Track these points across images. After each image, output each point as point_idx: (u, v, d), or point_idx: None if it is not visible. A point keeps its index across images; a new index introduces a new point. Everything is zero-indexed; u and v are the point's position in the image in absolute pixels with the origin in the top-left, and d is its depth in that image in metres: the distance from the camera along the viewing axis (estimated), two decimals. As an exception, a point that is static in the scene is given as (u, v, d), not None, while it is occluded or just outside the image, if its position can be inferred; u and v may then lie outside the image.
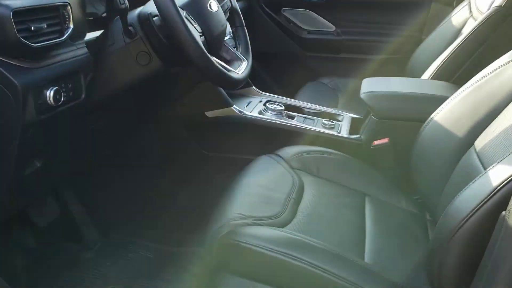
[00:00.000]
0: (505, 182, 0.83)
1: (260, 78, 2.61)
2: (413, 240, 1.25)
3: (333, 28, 2.48)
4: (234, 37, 1.33)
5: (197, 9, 1.09)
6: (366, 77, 2.31)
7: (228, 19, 1.32)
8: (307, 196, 1.28)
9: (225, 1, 1.27)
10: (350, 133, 1.59)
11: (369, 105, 1.47)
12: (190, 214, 1.62)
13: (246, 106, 1.69)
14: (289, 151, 1.45)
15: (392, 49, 2.39)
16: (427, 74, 1.71)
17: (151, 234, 1.66)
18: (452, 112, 1.29)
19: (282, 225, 1.13)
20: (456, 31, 1.98)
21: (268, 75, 2.64)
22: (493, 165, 0.90)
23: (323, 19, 2.48)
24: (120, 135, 1.54)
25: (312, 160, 1.42)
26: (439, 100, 1.36)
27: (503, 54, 1.65)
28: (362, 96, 1.49)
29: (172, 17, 0.95)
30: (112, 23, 1.08)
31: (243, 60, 1.24)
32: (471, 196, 0.89)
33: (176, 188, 1.64)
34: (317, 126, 1.59)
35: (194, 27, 1.04)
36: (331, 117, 1.72)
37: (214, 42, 1.12)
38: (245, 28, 1.33)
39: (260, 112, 1.62)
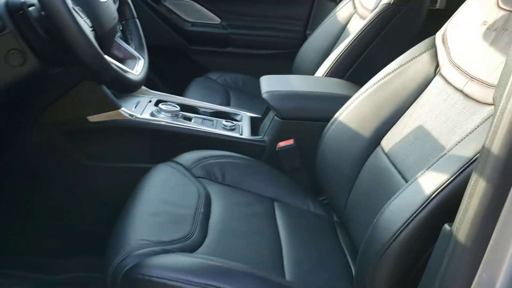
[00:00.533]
0: (439, 189, 0.80)
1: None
2: (327, 246, 1.20)
3: (218, 20, 2.37)
4: (125, 31, 1.13)
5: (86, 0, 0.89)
6: (253, 72, 2.28)
7: (119, 11, 1.13)
8: (216, 209, 1.16)
9: (112, -11, 1.07)
10: (252, 134, 1.50)
11: (272, 105, 1.39)
12: (74, 236, 1.40)
13: (135, 107, 1.50)
14: (190, 157, 1.31)
15: (279, 43, 2.36)
16: (321, 71, 1.69)
17: (27, 262, 1.40)
18: (356, 111, 1.27)
19: (195, 247, 1.00)
20: (341, 27, 2.00)
21: (152, 71, 2.43)
22: (422, 171, 0.87)
23: (208, 11, 2.35)
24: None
25: (216, 166, 1.30)
26: (343, 99, 1.33)
27: (395, 50, 1.71)
28: (264, 96, 1.40)
29: (56, 7, 0.75)
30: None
31: (138, 58, 1.06)
32: (403, 206, 0.85)
33: (56, 206, 1.40)
34: (218, 128, 1.47)
35: (84, 20, 0.85)
36: (229, 117, 1.61)
37: (106, 38, 0.93)
38: (138, 21, 1.14)
39: (152, 114, 1.45)
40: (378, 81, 1.26)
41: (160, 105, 1.46)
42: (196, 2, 2.33)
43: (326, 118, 1.33)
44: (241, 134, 1.46)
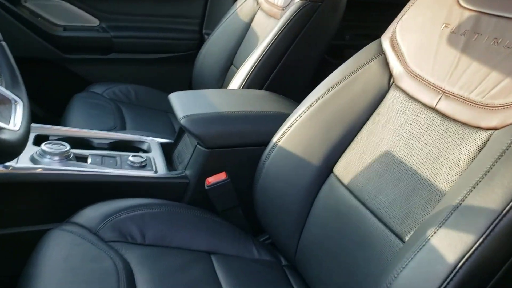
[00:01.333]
0: (466, 255, 0.62)
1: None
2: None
3: (97, 22, 1.97)
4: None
5: None
6: (145, 80, 1.95)
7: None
8: (142, 285, 0.88)
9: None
10: (169, 168, 1.21)
11: (193, 133, 1.12)
12: None
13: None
14: (93, 214, 1.00)
15: (172, 46, 2.05)
16: (236, 82, 1.45)
17: None
18: (299, 133, 1.06)
19: None
20: (245, 25, 1.78)
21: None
22: (433, 229, 0.68)
23: (83, 12, 1.94)
24: None
25: (131, 222, 1.01)
26: (279, 118, 1.12)
27: (316, 51, 1.54)
28: (182, 122, 1.12)
29: None
30: None
31: (14, 101, 0.71)
32: (419, 280, 0.64)
33: None
34: (124, 167, 1.15)
35: None
36: (134, 147, 1.30)
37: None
38: (4, 44, 0.78)
39: (33, 160, 1.08)
40: (321, 96, 1.06)
41: (42, 146, 1.10)
42: (66, 2, 1.90)
43: (262, 142, 1.11)
44: (155, 172, 1.16)
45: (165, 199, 1.09)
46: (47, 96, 1.95)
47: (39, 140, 1.21)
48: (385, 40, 1.05)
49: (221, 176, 1.11)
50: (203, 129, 1.12)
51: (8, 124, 0.65)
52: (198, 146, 1.14)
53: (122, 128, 1.54)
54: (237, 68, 1.55)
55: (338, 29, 1.53)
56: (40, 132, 1.24)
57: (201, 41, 1.95)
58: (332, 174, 1.01)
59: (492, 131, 0.76)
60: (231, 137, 1.14)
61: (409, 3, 1.03)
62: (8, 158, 0.70)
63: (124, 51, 1.99)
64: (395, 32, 1.03)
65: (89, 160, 1.14)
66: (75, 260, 0.87)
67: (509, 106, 0.74)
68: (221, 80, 1.78)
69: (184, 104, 1.20)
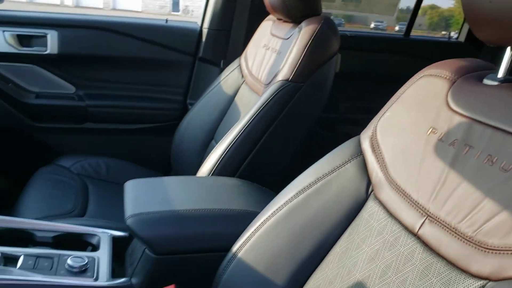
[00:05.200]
0: None
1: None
2: None
3: (73, 89, 1.86)
4: None
5: None
6: (121, 154, 1.80)
7: None
8: None
9: None
10: (114, 273, 1.04)
11: (139, 235, 0.95)
12: None
13: None
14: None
15: (153, 116, 1.93)
16: (207, 167, 1.31)
17: None
18: (263, 244, 0.90)
19: None
20: (229, 99, 1.67)
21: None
22: None
23: (58, 78, 1.83)
24: None
25: None
26: (245, 219, 0.96)
27: (297, 135, 1.40)
28: (128, 222, 0.97)
29: None
30: None
31: None
32: None
33: None
34: (59, 271, 0.98)
35: None
36: (80, 241, 1.14)
37: None
38: None
39: None
40: (290, 199, 0.90)
41: (-39, 246, 0.94)
42: (40, 67, 1.80)
43: (222, 247, 0.95)
44: (95, 279, 0.99)
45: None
46: (12, 167, 1.81)
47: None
48: (364, 139, 0.89)
49: (170, 290, 0.93)
50: (152, 232, 0.96)
51: None
52: (146, 250, 0.97)
53: (81, 213, 1.38)
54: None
55: (329, 102, 1.40)
56: (-30, 222, 1.09)
57: (184, 112, 1.82)
58: (302, 298, 0.84)
59: (485, 281, 0.59)
60: (185, 242, 0.98)
61: (393, 98, 0.89)
62: None
63: (99, 120, 1.87)
64: (375, 131, 0.88)
65: (20, 263, 0.98)
66: None
67: (506, 251, 0.57)
68: (200, 155, 1.64)
69: (136, 197, 1.05)
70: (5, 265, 0.97)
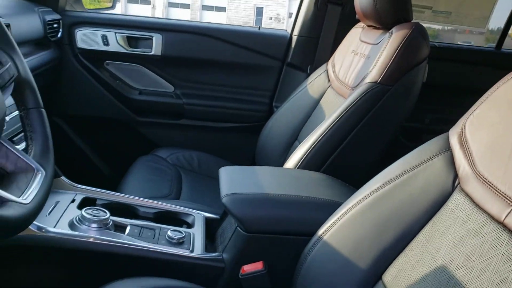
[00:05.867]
0: None
1: (74, 153, 2.02)
2: None
3: (172, 88, 2.04)
4: (25, 126, 0.77)
5: None
6: (211, 149, 1.94)
7: (13, 96, 0.77)
8: None
9: (5, 67, 0.71)
10: (208, 246, 1.15)
11: (233, 213, 1.05)
12: None
13: (50, 212, 1.12)
14: (116, 292, 0.94)
15: (242, 116, 2.05)
16: (293, 161, 1.38)
17: None
18: (348, 229, 0.95)
19: None
20: (314, 102, 1.73)
21: (88, 148, 2.05)
22: None
23: (159, 78, 2.02)
24: None
25: (155, 305, 0.93)
26: (329, 207, 1.02)
27: (383, 136, 1.44)
28: (223, 200, 1.06)
29: None
30: None
31: (37, 171, 0.70)
32: None
33: None
34: (160, 241, 1.10)
35: None
36: (179, 219, 1.26)
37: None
38: (43, 111, 0.79)
39: (71, 225, 1.07)
40: (377, 189, 0.95)
41: (83, 211, 1.08)
42: (144, 67, 1.99)
43: (308, 231, 1.01)
44: (191, 251, 1.10)
45: (197, 282, 1.02)
46: (115, 155, 2.02)
47: (87, 203, 1.21)
48: (453, 135, 0.93)
49: (258, 266, 1.02)
50: (245, 211, 1.05)
51: (19, 196, 0.63)
52: (238, 228, 1.06)
53: (176, 196, 1.52)
54: (301, 145, 1.49)
55: (414, 111, 1.42)
56: (88, 195, 1.25)
57: (269, 113, 1.92)
58: (380, 282, 0.88)
59: None
60: (274, 223, 1.06)
61: (483, 97, 0.92)
62: (9, 233, 0.68)
63: (194, 118, 2.03)
64: (464, 128, 0.91)
65: (127, 230, 1.11)
66: None
67: None
68: (284, 154, 1.72)
69: (231, 180, 1.14)
70: (115, 231, 1.10)
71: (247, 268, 1.03)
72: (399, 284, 0.84)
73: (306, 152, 1.36)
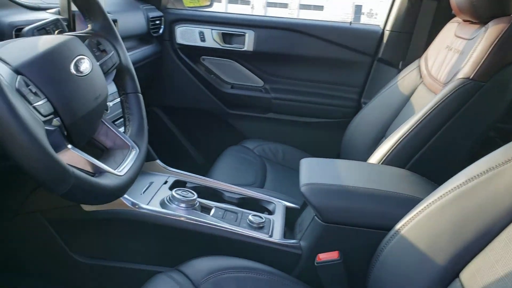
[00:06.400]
0: None
1: (169, 140, 2.17)
2: None
3: (261, 83, 2.11)
4: (124, 108, 0.87)
5: (48, 72, 0.63)
6: (296, 142, 1.98)
7: (115, 81, 0.87)
8: None
9: (109, 55, 0.81)
10: (286, 233, 1.19)
11: (311, 202, 1.08)
12: None
13: (144, 191, 1.23)
14: (199, 267, 1.01)
15: (329, 112, 2.06)
16: (377, 156, 1.37)
17: None
18: (427, 225, 0.93)
19: None
20: (404, 99, 1.69)
21: (182, 136, 2.19)
22: None
23: (250, 73, 2.10)
24: None
25: (233, 282, 0.99)
26: (408, 202, 1.01)
27: (474, 136, 1.38)
28: (302, 189, 1.10)
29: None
30: None
31: (132, 148, 0.79)
32: None
33: None
34: (242, 224, 1.17)
35: (33, 105, 0.57)
36: (260, 205, 1.32)
37: (78, 125, 0.67)
38: (140, 96, 0.88)
39: (162, 203, 1.17)
40: (459, 185, 0.93)
41: (173, 192, 1.18)
42: (237, 62, 2.08)
43: (385, 226, 1.01)
44: (270, 235, 1.15)
45: (274, 266, 1.06)
46: (206, 143, 2.14)
47: (178, 185, 1.31)
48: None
49: (333, 255, 1.04)
50: (323, 201, 1.07)
51: (115, 168, 0.72)
52: (315, 217, 1.09)
53: (260, 185, 1.58)
54: (389, 142, 1.47)
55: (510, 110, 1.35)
56: (179, 177, 1.35)
57: (357, 110, 1.91)
58: (457, 280, 0.86)
59: None
60: (351, 215, 1.07)
61: None
62: (98, 201, 0.76)
63: (281, 112, 2.08)
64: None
65: (212, 212, 1.19)
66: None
67: None
68: (370, 151, 1.70)
69: (311, 171, 1.17)
70: (201, 212, 1.19)
71: (323, 256, 1.05)
72: (477, 283, 0.81)
73: (391, 148, 1.35)
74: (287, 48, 2.01)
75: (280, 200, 1.35)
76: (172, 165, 1.41)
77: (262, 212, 1.28)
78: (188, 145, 2.19)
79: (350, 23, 2.03)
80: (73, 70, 0.67)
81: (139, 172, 0.78)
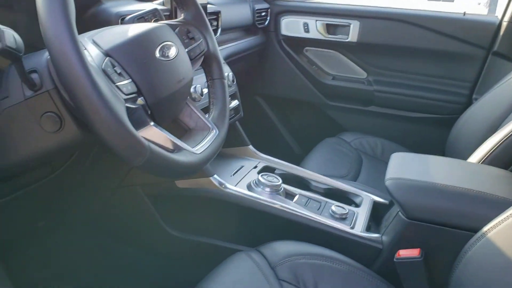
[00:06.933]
0: None
1: (269, 129, 2.23)
2: None
3: (364, 75, 2.06)
4: (210, 93, 0.93)
5: (133, 55, 0.70)
6: (397, 137, 1.91)
7: (203, 67, 0.93)
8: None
9: (197, 42, 0.87)
10: (368, 229, 1.17)
11: (395, 197, 1.05)
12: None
13: (234, 174, 1.29)
14: (278, 250, 1.04)
15: (435, 107, 1.95)
16: (477, 155, 1.28)
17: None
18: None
19: None
20: (518, 95, 1.54)
21: (281, 124, 2.24)
22: None
23: (353, 64, 2.06)
24: (58, 203, 1.17)
25: (309, 269, 1.01)
26: (500, 205, 0.94)
27: None
28: (386, 183, 1.07)
29: (68, 64, 0.57)
30: (8, 64, 0.71)
31: (212, 129, 0.84)
32: None
33: (132, 269, 1.26)
34: (324, 213, 1.17)
35: (116, 84, 0.64)
36: (346, 197, 1.31)
37: (161, 105, 0.73)
38: (225, 82, 0.93)
39: (249, 186, 1.22)
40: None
41: (259, 176, 1.22)
42: (340, 54, 2.06)
43: (471, 227, 0.95)
44: (351, 227, 1.14)
45: (354, 258, 1.06)
46: (303, 133, 2.16)
47: (267, 170, 1.35)
48: None
49: (414, 253, 1.00)
50: (407, 197, 1.03)
51: (193, 147, 0.77)
52: (399, 213, 1.06)
53: (353, 178, 1.56)
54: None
55: None
56: (269, 164, 1.39)
57: (467, 106, 1.79)
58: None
59: None
60: (437, 213, 1.02)
61: None
62: (179, 175, 0.81)
63: (383, 105, 2.02)
64: None
65: (295, 198, 1.21)
66: (245, 283, 0.94)
67: None
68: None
69: (399, 165, 1.14)
70: (285, 197, 1.21)
71: (403, 253, 1.02)
72: None
73: (494, 147, 1.25)
74: (393, 39, 1.94)
75: (368, 194, 1.32)
76: (268, 153, 1.45)
77: (349, 205, 1.27)
78: (287, 134, 2.23)
79: (464, 13, 1.89)
80: (158, 55, 0.74)
81: (216, 152, 0.83)
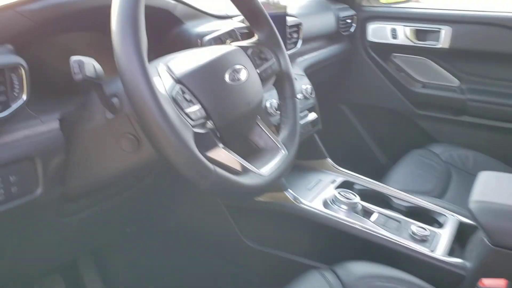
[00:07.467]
0: None
1: (353, 138, 2.18)
2: None
3: (457, 83, 1.94)
4: (281, 112, 0.93)
5: (203, 82, 0.72)
6: (492, 151, 1.75)
7: (275, 86, 0.94)
8: None
9: (270, 63, 0.88)
10: (451, 252, 1.10)
11: (479, 222, 0.98)
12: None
13: (311, 188, 1.29)
14: (352, 270, 1.02)
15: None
16: None
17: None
18: None
19: None
20: None
21: (366, 133, 2.18)
22: None
23: (444, 71, 1.94)
24: (144, 211, 1.24)
25: (384, 292, 0.97)
26: None
27: None
28: (470, 206, 1.00)
29: (136, 89, 0.60)
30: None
31: (281, 150, 0.84)
32: None
33: (209, 276, 1.31)
34: (403, 234, 1.13)
35: (185, 111, 0.67)
36: (429, 217, 1.24)
37: (230, 127, 0.75)
38: (297, 101, 0.93)
39: (325, 203, 1.21)
40: None
41: (336, 193, 1.21)
42: (430, 60, 1.96)
43: None
44: (432, 250, 1.08)
45: (432, 284, 1.00)
46: (390, 145, 2.08)
47: (346, 186, 1.33)
48: None
49: (499, 283, 0.93)
50: (493, 221, 0.96)
51: (261, 168, 0.78)
52: (483, 238, 0.99)
53: (440, 195, 1.48)
54: None
55: None
56: (348, 178, 1.36)
57: None
58: None
59: None
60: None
61: None
62: (243, 197, 0.81)
63: (477, 115, 1.88)
64: None
65: (373, 217, 1.18)
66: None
67: None
68: None
69: (487, 186, 1.06)
70: (363, 216, 1.19)
71: (487, 282, 0.95)
72: None
73: None
74: (489, 45, 1.80)
75: (454, 214, 1.25)
76: (351, 164, 1.42)
77: (431, 224, 1.21)
78: (372, 144, 2.16)
79: None
80: (227, 79, 0.76)
81: (283, 174, 0.83)
